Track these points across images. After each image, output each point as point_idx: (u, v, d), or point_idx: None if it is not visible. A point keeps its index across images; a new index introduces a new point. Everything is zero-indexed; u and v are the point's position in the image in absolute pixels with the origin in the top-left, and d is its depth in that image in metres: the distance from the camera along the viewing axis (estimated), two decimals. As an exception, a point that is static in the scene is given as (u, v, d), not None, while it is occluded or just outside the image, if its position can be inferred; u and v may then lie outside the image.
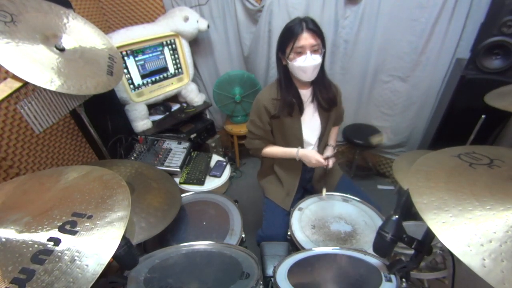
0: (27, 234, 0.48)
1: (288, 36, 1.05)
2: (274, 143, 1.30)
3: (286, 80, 1.16)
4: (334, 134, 1.42)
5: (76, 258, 0.46)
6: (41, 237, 0.48)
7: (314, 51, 1.05)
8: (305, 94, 1.20)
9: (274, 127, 1.25)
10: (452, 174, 0.56)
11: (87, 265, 0.45)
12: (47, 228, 0.49)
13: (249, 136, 1.29)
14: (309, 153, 1.21)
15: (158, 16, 1.99)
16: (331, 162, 1.27)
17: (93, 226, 0.50)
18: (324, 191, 1.23)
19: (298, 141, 1.25)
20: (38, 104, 0.99)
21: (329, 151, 1.33)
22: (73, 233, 0.49)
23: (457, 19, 1.53)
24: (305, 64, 1.05)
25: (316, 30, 1.04)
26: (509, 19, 1.25)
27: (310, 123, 1.25)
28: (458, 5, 1.49)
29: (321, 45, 1.06)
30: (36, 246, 0.46)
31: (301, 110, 1.20)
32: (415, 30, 1.64)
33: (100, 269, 0.45)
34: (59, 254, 0.46)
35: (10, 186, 0.62)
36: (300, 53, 1.05)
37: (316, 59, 1.05)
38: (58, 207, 0.54)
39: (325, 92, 1.20)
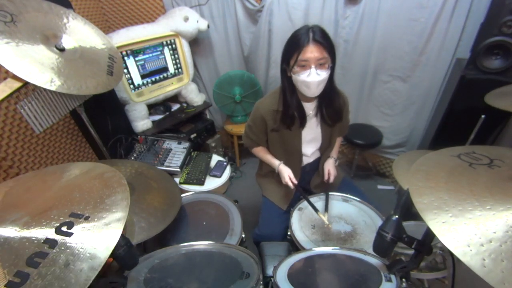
0: (25, 234, 0.48)
1: (293, 47, 0.98)
2: (268, 147, 1.30)
3: (290, 92, 1.09)
4: (337, 146, 1.34)
5: (70, 262, 0.45)
6: (38, 238, 0.47)
7: (320, 66, 0.96)
8: (309, 107, 1.15)
9: (271, 138, 1.22)
10: (452, 174, 0.56)
11: (80, 270, 0.44)
12: (45, 229, 0.49)
13: (245, 134, 1.30)
14: (283, 171, 1.20)
15: (158, 16, 1.99)
16: (332, 177, 1.23)
17: (89, 228, 0.50)
18: (325, 218, 1.08)
19: (297, 153, 1.23)
20: (38, 104, 0.99)
21: (330, 164, 1.26)
22: (69, 235, 0.48)
23: (457, 19, 1.53)
24: (309, 79, 0.97)
25: (323, 43, 0.94)
26: (509, 19, 1.25)
27: (311, 136, 1.22)
28: (458, 5, 1.49)
29: (329, 59, 0.97)
30: (32, 248, 0.46)
31: (302, 124, 1.15)
32: (415, 30, 1.63)
33: (93, 274, 0.44)
34: (54, 257, 0.45)
35: (14, 183, 0.62)
36: (304, 66, 0.97)
37: (321, 74, 0.97)
38: (57, 206, 0.54)
39: (331, 107, 1.13)
